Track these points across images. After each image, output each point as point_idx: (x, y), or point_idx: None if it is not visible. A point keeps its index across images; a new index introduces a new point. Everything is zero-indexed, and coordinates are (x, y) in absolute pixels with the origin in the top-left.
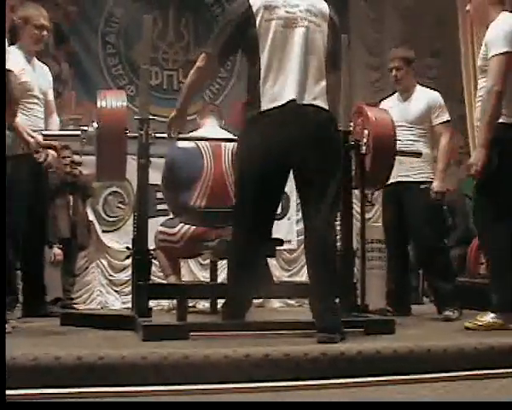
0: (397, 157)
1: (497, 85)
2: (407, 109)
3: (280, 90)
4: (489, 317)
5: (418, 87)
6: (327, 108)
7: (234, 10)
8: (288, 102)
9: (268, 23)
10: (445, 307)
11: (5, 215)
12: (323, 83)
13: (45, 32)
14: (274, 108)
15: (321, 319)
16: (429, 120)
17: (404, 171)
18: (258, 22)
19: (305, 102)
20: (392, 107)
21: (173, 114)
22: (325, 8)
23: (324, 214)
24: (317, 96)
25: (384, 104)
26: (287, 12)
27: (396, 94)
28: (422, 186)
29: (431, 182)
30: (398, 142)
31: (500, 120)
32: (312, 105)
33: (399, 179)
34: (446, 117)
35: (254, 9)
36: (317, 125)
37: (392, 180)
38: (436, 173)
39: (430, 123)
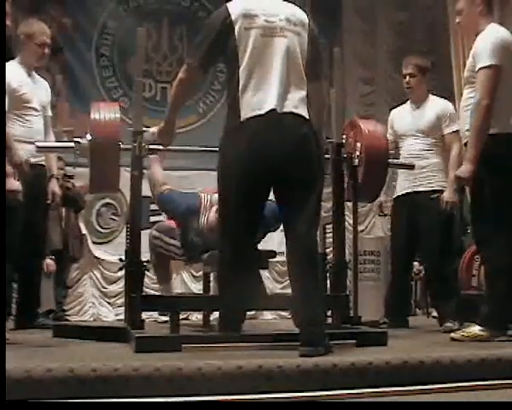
0: (412, 167)
1: (486, 99)
2: (418, 118)
3: (260, 99)
4: (476, 328)
5: (431, 96)
6: (307, 116)
7: (213, 20)
8: (267, 111)
9: (247, 32)
10: (447, 319)
11: (5, 223)
12: (304, 92)
13: (46, 50)
14: (254, 116)
15: (303, 331)
16: (440, 130)
17: (413, 181)
18: (237, 31)
19: (285, 111)
20: (404, 115)
21: (161, 125)
22: (305, 17)
23: (306, 225)
24: (297, 104)
25: (395, 112)
26: (266, 21)
27: (408, 102)
28: (432, 196)
29: (441, 191)
30: (410, 150)
31: (491, 132)
32: (292, 113)
33: (409, 190)
34: (457, 126)
35: (233, 17)
36: (297, 135)
37: (402, 191)
38: (447, 183)
39: (441, 132)
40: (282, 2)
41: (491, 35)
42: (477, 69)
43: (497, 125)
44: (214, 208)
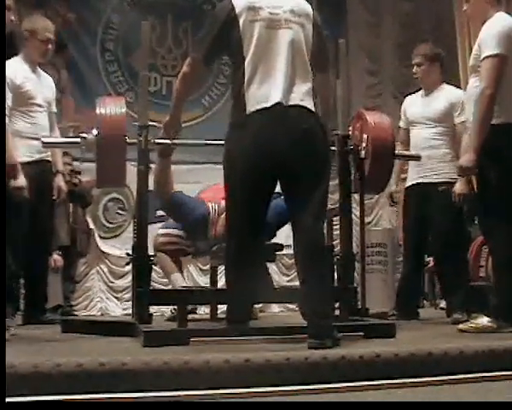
0: (418, 158)
1: (490, 88)
2: (429, 106)
3: (265, 92)
4: (484, 320)
5: (444, 85)
6: (313, 109)
7: (217, 12)
8: (273, 104)
9: (252, 24)
10: (455, 310)
11: (5, 221)
12: (309, 84)
13: (50, 46)
14: (260, 110)
15: (311, 324)
16: (451, 118)
17: (424, 172)
18: (241, 23)
19: (291, 104)
20: (415, 103)
21: (167, 119)
22: (309, 8)
23: (313, 218)
24: (303, 97)
25: (408, 100)
26: (270, 13)
27: (421, 90)
28: (441, 188)
29: (452, 183)
30: (419, 138)
31: (497, 122)
32: (298, 106)
33: (419, 181)
34: None
35: (237, 10)
36: (303, 127)
37: (412, 182)
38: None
39: (452, 121)
40: None
41: (498, 23)
42: (482, 57)
43: (503, 115)
44: (222, 218)
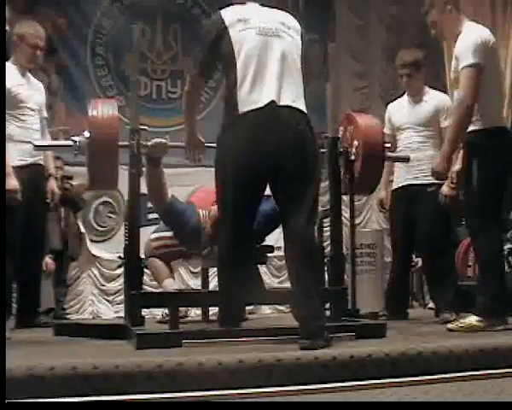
0: (407, 160)
1: (469, 99)
2: (416, 112)
3: (257, 94)
4: (472, 319)
5: (427, 89)
6: (305, 110)
7: (209, 27)
8: (266, 104)
9: (242, 33)
10: (444, 310)
11: (5, 223)
12: (301, 87)
13: (39, 52)
14: (252, 110)
15: (302, 325)
16: (438, 123)
17: (412, 174)
18: (232, 34)
19: (283, 104)
20: (401, 109)
21: (186, 140)
22: (297, 24)
23: (303, 219)
24: (294, 98)
25: (393, 106)
26: (260, 22)
27: (405, 96)
28: (430, 189)
29: (440, 184)
30: (407, 143)
31: (480, 126)
32: (290, 107)
33: (406, 183)
34: None
35: (227, 23)
36: (295, 128)
37: (400, 184)
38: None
39: (439, 125)
40: (274, 10)
41: (472, 35)
42: (460, 68)
43: (485, 120)
44: (213, 222)
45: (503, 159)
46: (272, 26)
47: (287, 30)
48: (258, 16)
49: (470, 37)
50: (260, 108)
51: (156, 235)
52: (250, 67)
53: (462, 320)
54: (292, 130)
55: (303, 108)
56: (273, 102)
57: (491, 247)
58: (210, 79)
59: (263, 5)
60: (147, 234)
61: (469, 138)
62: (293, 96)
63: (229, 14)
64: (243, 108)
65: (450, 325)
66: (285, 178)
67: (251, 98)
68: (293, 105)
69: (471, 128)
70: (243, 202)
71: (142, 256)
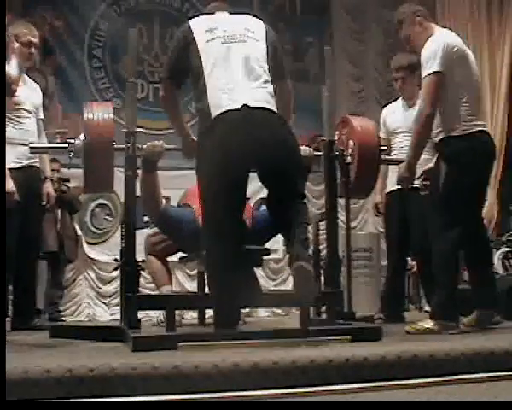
0: (398, 163)
1: (426, 109)
2: (409, 115)
3: (229, 98)
4: (428, 322)
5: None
6: (276, 111)
7: (177, 36)
8: (240, 107)
9: (209, 43)
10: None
11: (5, 224)
12: (270, 88)
13: (33, 50)
14: (227, 111)
15: (293, 248)
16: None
17: None
18: (199, 44)
19: (256, 106)
20: (396, 112)
21: (182, 146)
22: (262, 27)
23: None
24: (267, 99)
25: (387, 109)
26: (225, 30)
27: (399, 100)
28: (423, 192)
29: (431, 187)
30: (401, 147)
31: (446, 134)
32: (263, 108)
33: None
34: None
35: (195, 33)
36: (271, 127)
37: (393, 187)
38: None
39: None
40: (239, 16)
41: (432, 43)
42: (422, 77)
43: (448, 128)
44: None
45: (470, 165)
46: (237, 33)
47: (251, 34)
48: (224, 25)
49: (431, 45)
50: (235, 109)
51: (155, 229)
52: (218, 74)
53: (419, 323)
54: (268, 129)
55: (274, 108)
56: (246, 104)
57: (443, 249)
58: (181, 83)
59: (231, 13)
60: (143, 236)
61: (438, 146)
62: (265, 98)
63: (196, 26)
64: (216, 111)
65: (407, 328)
66: (265, 175)
67: (222, 103)
68: (267, 106)
69: (440, 136)
70: (232, 200)
71: (139, 258)
